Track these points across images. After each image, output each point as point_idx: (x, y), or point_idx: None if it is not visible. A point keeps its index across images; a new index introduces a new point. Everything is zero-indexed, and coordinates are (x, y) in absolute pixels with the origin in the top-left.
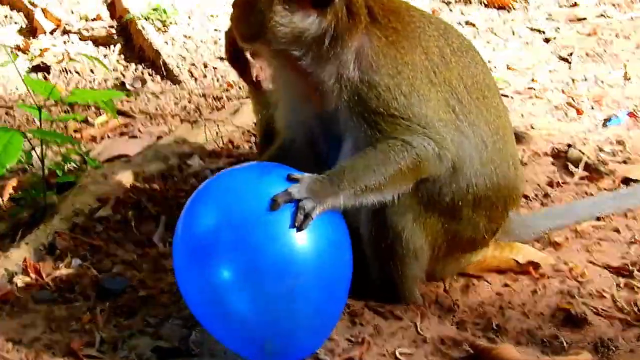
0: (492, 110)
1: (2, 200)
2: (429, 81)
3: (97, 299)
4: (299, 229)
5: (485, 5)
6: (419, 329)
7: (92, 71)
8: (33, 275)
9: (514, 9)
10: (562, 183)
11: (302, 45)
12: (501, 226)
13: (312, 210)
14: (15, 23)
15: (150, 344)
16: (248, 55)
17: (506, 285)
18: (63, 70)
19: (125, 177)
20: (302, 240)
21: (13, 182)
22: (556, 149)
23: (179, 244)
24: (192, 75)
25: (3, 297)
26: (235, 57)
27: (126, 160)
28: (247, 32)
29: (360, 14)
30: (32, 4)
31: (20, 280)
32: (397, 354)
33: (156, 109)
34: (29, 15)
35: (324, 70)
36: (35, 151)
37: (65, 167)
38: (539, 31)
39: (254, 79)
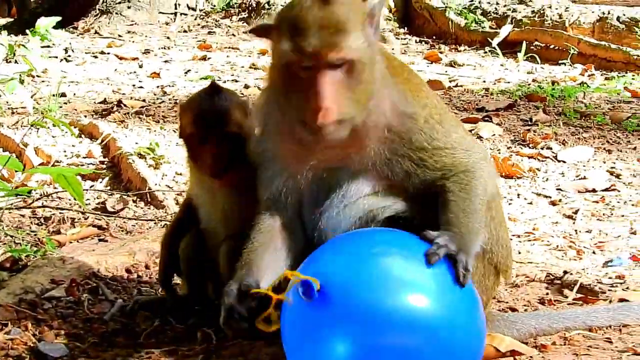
0: None
1: None
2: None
3: None
4: (463, 284)
5: None
6: None
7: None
8: None
9: (521, 178)
10: (555, 301)
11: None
12: (489, 302)
13: (468, 263)
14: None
15: None
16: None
17: None
18: (45, 194)
19: (86, 265)
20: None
21: None
22: (551, 274)
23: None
24: (177, 202)
25: None
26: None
27: (90, 250)
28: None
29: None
30: (24, 144)
31: None
32: None
33: (134, 226)
34: (20, 155)
35: (376, 110)
36: None
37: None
38: (545, 196)
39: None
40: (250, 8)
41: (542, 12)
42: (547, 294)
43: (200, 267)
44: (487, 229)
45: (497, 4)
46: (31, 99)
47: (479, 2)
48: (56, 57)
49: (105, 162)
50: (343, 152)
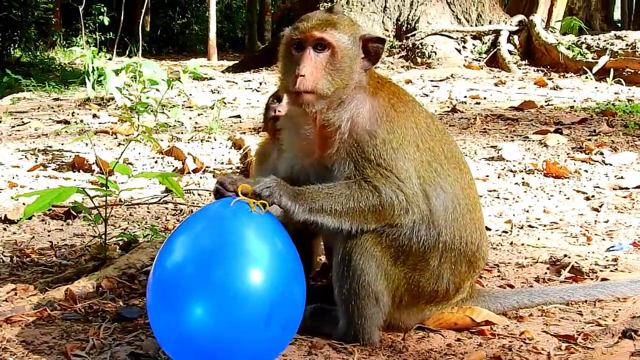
0: (466, 180)
1: (83, 259)
2: (416, 145)
3: (112, 322)
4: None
5: (545, 175)
6: None
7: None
8: (71, 302)
9: (567, 178)
10: (548, 280)
11: (344, 93)
12: (465, 284)
13: (268, 197)
14: (176, 167)
15: (129, 350)
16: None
17: (459, 340)
18: (189, 192)
19: None
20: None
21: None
22: (554, 257)
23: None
24: None
25: (39, 314)
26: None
27: None
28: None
29: (375, 78)
30: (190, 154)
31: (58, 305)
32: None
33: None
34: (184, 163)
35: (341, 116)
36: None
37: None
38: (583, 192)
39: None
40: (407, 48)
41: (634, 45)
42: (546, 273)
43: None
44: (460, 232)
45: (599, 39)
46: (215, 121)
47: (584, 39)
48: (250, 89)
49: (240, 167)
50: (320, 147)
